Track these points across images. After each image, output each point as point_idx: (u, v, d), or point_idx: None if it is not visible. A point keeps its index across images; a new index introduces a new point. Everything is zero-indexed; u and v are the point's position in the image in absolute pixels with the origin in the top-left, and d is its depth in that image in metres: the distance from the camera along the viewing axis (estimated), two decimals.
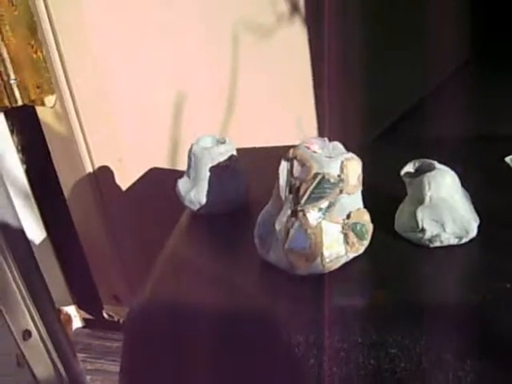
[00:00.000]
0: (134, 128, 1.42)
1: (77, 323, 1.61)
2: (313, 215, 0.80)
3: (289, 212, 0.82)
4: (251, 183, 1.06)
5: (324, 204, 0.80)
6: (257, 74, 1.73)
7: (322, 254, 0.81)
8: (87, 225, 1.49)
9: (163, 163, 1.47)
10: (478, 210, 0.91)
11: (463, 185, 0.93)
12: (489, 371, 0.75)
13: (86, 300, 1.62)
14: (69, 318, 1.59)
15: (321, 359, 0.79)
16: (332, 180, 0.80)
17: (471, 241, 0.87)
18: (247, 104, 1.69)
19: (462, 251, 0.87)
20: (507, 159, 1.07)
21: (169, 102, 1.49)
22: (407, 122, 2.23)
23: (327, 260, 0.81)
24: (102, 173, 1.39)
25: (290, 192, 0.83)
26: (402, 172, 0.91)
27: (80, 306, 1.63)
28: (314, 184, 0.80)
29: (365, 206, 0.90)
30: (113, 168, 1.40)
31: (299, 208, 0.80)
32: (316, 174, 0.80)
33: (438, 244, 0.87)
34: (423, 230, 0.86)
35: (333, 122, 1.89)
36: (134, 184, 1.43)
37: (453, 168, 0.93)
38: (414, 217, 0.87)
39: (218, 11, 1.56)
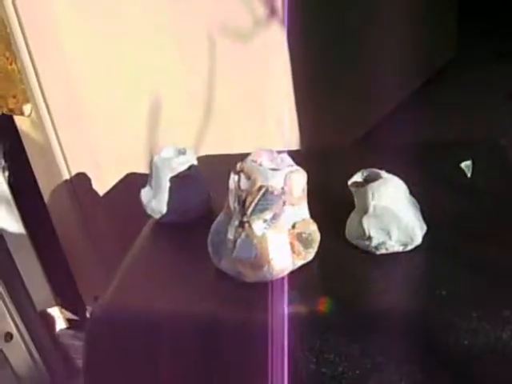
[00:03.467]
0: (110, 134, 1.45)
1: (60, 324, 1.65)
2: (258, 226, 0.83)
3: (236, 223, 0.85)
4: (215, 191, 1.09)
5: (268, 215, 0.84)
6: (234, 78, 1.76)
7: (268, 262, 0.84)
8: (67, 229, 1.53)
9: (140, 168, 1.50)
10: (427, 217, 0.94)
11: (416, 192, 0.96)
12: (422, 377, 0.78)
13: (69, 301, 1.67)
14: (52, 319, 1.63)
15: (265, 364, 0.82)
16: (276, 192, 0.84)
17: (416, 248, 0.91)
18: (224, 109, 1.72)
19: (407, 258, 0.90)
20: (462, 165, 1.09)
21: (144, 107, 1.53)
22: (383, 129, 2.26)
23: (273, 268, 0.85)
24: (79, 179, 1.43)
25: (238, 204, 0.86)
26: (350, 182, 0.94)
27: (63, 307, 1.67)
28: (259, 196, 0.83)
29: (321, 213, 0.93)
30: (89, 174, 1.44)
31: (245, 219, 0.84)
32: (260, 187, 0.84)
33: (383, 251, 0.90)
34: (370, 238, 0.89)
35: (313, 126, 1.92)
36: (111, 189, 1.47)
37: (406, 176, 0.96)
38: (361, 225, 0.90)
39: (191, 15, 1.59)
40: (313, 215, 0.92)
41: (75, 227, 1.51)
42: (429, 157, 1.17)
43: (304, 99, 1.96)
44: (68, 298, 1.67)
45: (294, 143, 2.01)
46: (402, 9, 2.32)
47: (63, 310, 1.68)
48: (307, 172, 0.94)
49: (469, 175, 1.08)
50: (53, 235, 1.55)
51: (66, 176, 1.42)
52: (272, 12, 1.82)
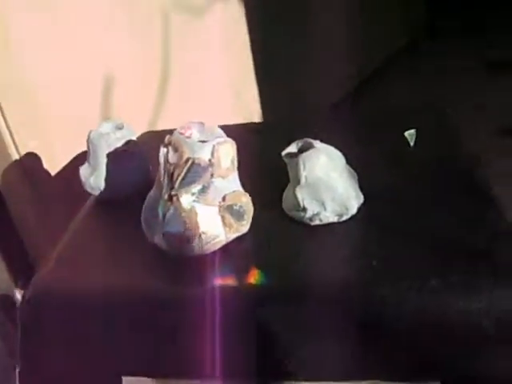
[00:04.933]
0: (61, 113, 1.42)
1: None
2: (186, 199, 0.82)
3: (166, 197, 0.84)
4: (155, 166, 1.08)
5: (196, 188, 0.83)
6: (191, 52, 1.73)
7: (199, 235, 0.83)
8: (21, 211, 1.50)
9: None
10: (365, 188, 0.93)
11: (355, 161, 0.95)
12: (353, 347, 0.78)
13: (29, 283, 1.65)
14: (13, 303, 1.61)
15: (199, 338, 0.82)
16: (202, 164, 0.82)
17: (352, 218, 0.90)
18: (180, 85, 1.69)
19: (341, 229, 0.89)
20: (406, 134, 1.08)
21: (96, 85, 1.50)
22: (347, 104, 2.25)
23: (204, 242, 0.84)
24: (29, 159, 1.40)
25: (167, 177, 0.85)
26: (283, 153, 0.92)
27: (24, 290, 1.65)
28: (185, 169, 0.82)
29: (259, 186, 0.93)
30: (40, 154, 1.41)
31: (173, 193, 0.83)
32: (187, 159, 0.82)
33: (318, 222, 0.89)
34: (304, 209, 0.89)
35: (272, 100, 1.90)
36: (63, 168, 1.45)
37: (347, 145, 0.95)
38: (295, 196, 0.89)
39: None
40: (250, 188, 0.91)
41: (29, 209, 1.49)
42: (373, 126, 1.16)
43: (263, 73, 1.94)
44: (28, 280, 1.65)
45: (255, 117, 1.99)
46: None
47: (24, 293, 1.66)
48: (247, 145, 0.93)
49: (412, 144, 1.07)
50: (7, 218, 1.53)
51: (16, 156, 1.39)
52: None
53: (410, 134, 1.07)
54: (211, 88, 1.78)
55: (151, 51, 1.63)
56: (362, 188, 0.93)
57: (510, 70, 2.64)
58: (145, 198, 0.96)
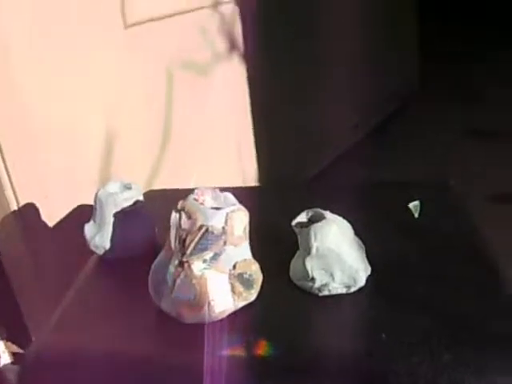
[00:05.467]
0: (61, 165, 1.42)
1: (5, 359, 1.59)
2: (197, 266, 0.82)
3: (176, 262, 0.84)
4: (161, 227, 1.07)
5: (208, 255, 0.82)
6: (193, 110, 1.75)
7: (208, 303, 0.82)
8: (14, 261, 1.48)
9: (91, 200, 1.47)
10: (373, 259, 0.94)
11: (362, 232, 0.96)
12: None
13: (15, 335, 1.61)
14: None
15: None
16: (216, 232, 0.82)
17: (360, 290, 0.90)
18: (182, 143, 1.71)
19: (350, 300, 0.89)
20: (410, 205, 1.10)
21: (99, 138, 1.51)
22: (337, 167, 2.28)
23: (213, 309, 0.83)
24: (28, 210, 1.39)
25: (179, 243, 0.85)
26: (294, 222, 0.93)
27: (8, 341, 1.61)
28: (199, 236, 0.82)
29: (267, 253, 0.92)
30: (38, 205, 1.40)
31: (185, 259, 0.82)
32: (201, 226, 0.82)
33: (326, 293, 0.89)
34: (313, 279, 0.89)
35: (272, 156, 1.92)
36: (61, 221, 1.44)
37: (353, 216, 0.96)
38: (304, 266, 0.89)
39: (150, 50, 1.59)
40: (258, 255, 0.91)
41: (23, 259, 1.47)
42: (377, 197, 1.17)
43: (262, 134, 1.97)
44: (14, 331, 1.61)
45: (252, 178, 2.00)
46: (360, 43, 2.36)
47: (8, 344, 1.62)
48: (254, 211, 0.93)
49: (416, 215, 1.08)
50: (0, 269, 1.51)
51: (14, 206, 1.38)
52: (232, 46, 1.83)
53: (414, 206, 1.09)
54: (212, 149, 1.80)
55: (154, 109, 1.65)
56: (369, 258, 0.93)
57: (496, 139, 2.71)
58: (149, 259, 0.95)
